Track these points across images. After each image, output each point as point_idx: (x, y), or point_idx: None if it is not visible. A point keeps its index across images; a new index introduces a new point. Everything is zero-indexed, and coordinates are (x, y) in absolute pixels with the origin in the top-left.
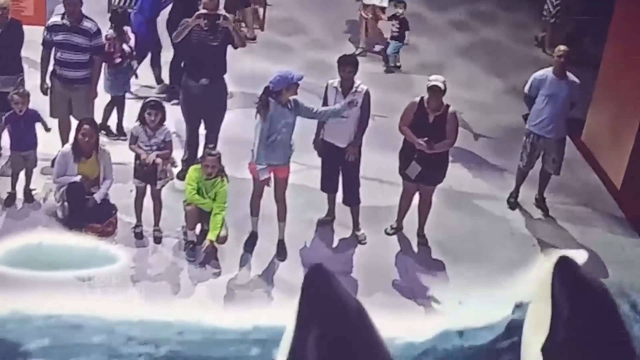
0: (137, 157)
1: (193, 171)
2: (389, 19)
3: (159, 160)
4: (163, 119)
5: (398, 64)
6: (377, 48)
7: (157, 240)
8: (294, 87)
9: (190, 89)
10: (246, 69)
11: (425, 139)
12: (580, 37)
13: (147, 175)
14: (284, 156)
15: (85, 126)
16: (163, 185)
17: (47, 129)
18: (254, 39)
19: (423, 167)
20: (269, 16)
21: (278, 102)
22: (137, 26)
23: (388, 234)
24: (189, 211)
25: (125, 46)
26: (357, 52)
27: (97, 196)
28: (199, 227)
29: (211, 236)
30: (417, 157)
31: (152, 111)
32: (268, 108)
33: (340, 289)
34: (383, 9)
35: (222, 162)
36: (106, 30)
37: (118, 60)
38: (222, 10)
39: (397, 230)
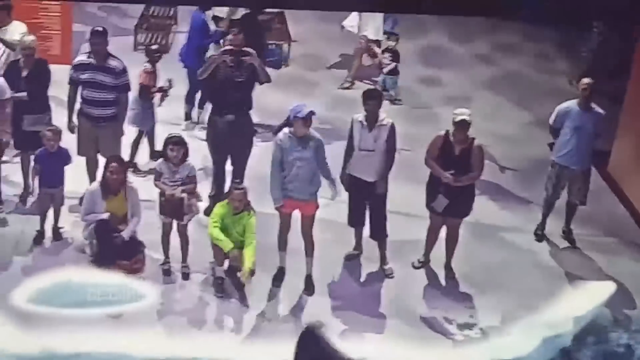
0: (162, 193)
1: (219, 208)
2: (383, 52)
3: (184, 194)
4: (186, 154)
5: (398, 98)
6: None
7: (185, 276)
8: (299, 121)
9: (217, 124)
10: (272, 104)
11: (452, 172)
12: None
13: (173, 210)
14: (305, 191)
15: (113, 164)
16: (189, 220)
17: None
18: None
19: (450, 200)
20: (294, 52)
21: (293, 134)
22: (188, 60)
23: (415, 267)
24: (216, 247)
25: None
26: (343, 85)
27: (125, 233)
28: (226, 262)
29: (249, 264)
30: (443, 191)
31: (175, 147)
32: (277, 134)
33: (331, 350)
34: (378, 42)
35: (248, 197)
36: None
37: (157, 94)
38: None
39: (425, 263)
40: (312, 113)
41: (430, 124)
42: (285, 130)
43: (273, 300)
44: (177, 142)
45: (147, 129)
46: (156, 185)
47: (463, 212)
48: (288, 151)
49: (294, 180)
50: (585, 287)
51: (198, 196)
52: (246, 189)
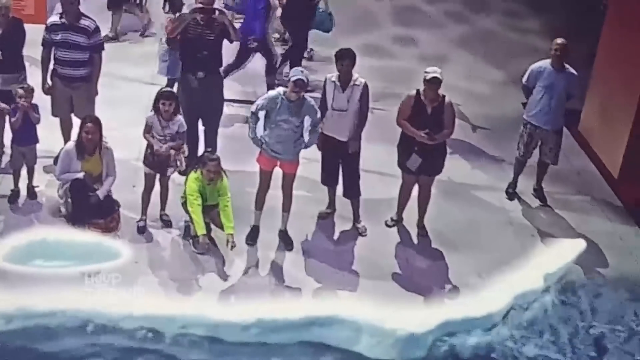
0: (150, 145)
1: (193, 182)
2: None
3: (172, 151)
4: (177, 109)
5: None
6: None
7: (168, 224)
8: (290, 84)
9: (188, 82)
10: (250, 67)
11: (427, 131)
12: None
13: (158, 164)
14: (289, 152)
15: (88, 124)
16: (172, 174)
17: (37, 122)
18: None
19: (422, 159)
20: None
21: (286, 97)
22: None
23: (388, 226)
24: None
25: None
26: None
27: (100, 193)
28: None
29: (230, 230)
30: (417, 150)
31: (166, 101)
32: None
33: None
34: None
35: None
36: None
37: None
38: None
39: (397, 222)
40: (300, 80)
41: (405, 83)
42: (280, 90)
43: (248, 257)
44: (168, 97)
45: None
46: (145, 138)
47: (435, 171)
48: (276, 111)
49: (279, 142)
50: (556, 245)
51: (184, 151)
52: (219, 158)
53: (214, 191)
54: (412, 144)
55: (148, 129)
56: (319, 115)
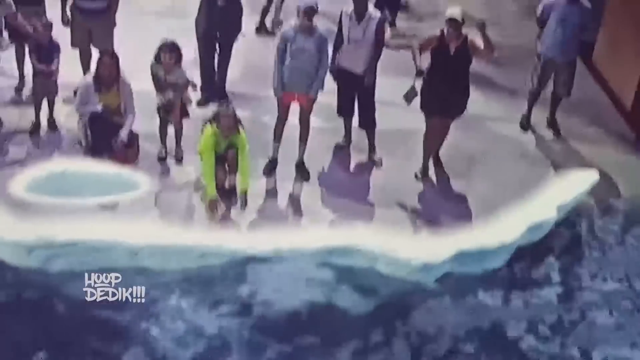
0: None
1: (208, 139)
2: None
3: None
4: (178, 59)
5: None
6: None
7: (180, 159)
8: (302, 13)
9: (208, 6)
10: None
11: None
12: None
13: (165, 113)
14: (304, 85)
15: (105, 58)
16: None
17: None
18: None
19: (443, 98)
20: None
21: (298, 27)
22: None
23: (418, 178)
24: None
25: None
26: None
27: (122, 134)
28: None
29: (244, 185)
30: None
31: (168, 53)
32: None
33: None
34: None
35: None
36: None
37: None
38: None
39: (425, 172)
40: (310, 8)
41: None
42: (291, 22)
43: (264, 189)
44: (170, 48)
45: None
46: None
47: (455, 111)
48: (291, 42)
49: (294, 73)
50: (569, 176)
51: (189, 99)
52: (234, 112)
53: (229, 141)
54: (430, 84)
55: (153, 78)
56: (329, 53)
